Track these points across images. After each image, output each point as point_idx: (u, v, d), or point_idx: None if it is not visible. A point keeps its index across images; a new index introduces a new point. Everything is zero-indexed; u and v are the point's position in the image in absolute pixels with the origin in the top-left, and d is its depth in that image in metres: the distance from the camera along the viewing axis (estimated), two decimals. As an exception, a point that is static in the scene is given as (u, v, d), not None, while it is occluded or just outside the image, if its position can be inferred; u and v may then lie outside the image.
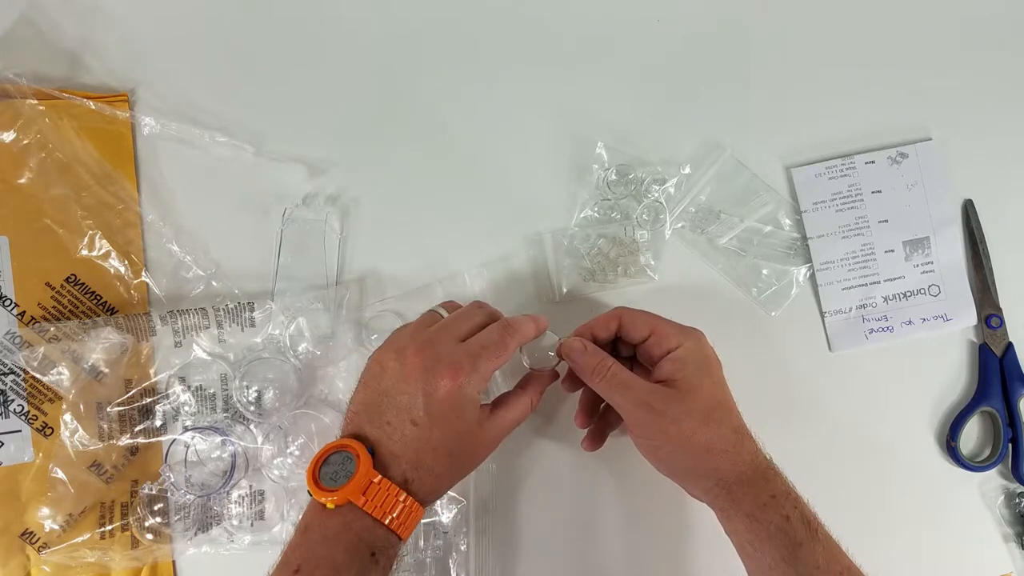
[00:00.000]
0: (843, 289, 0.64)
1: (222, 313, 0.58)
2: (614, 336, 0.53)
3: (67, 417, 0.55)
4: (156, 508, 0.56)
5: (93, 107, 0.58)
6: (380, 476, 0.44)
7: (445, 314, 0.52)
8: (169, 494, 0.56)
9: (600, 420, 0.57)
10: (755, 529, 0.46)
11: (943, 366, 0.64)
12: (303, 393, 0.58)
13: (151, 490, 0.56)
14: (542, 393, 0.53)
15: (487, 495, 0.59)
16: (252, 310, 0.58)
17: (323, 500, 0.44)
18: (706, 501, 0.50)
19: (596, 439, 0.57)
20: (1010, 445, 0.63)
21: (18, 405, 0.56)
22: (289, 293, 0.59)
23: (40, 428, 0.56)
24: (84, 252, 0.58)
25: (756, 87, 0.66)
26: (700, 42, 0.66)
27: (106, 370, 0.56)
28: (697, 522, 0.60)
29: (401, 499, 0.44)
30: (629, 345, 0.54)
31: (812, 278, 0.64)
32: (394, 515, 0.44)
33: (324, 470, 0.45)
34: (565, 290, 0.62)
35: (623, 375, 0.50)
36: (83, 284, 0.58)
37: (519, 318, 0.52)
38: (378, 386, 0.48)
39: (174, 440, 0.57)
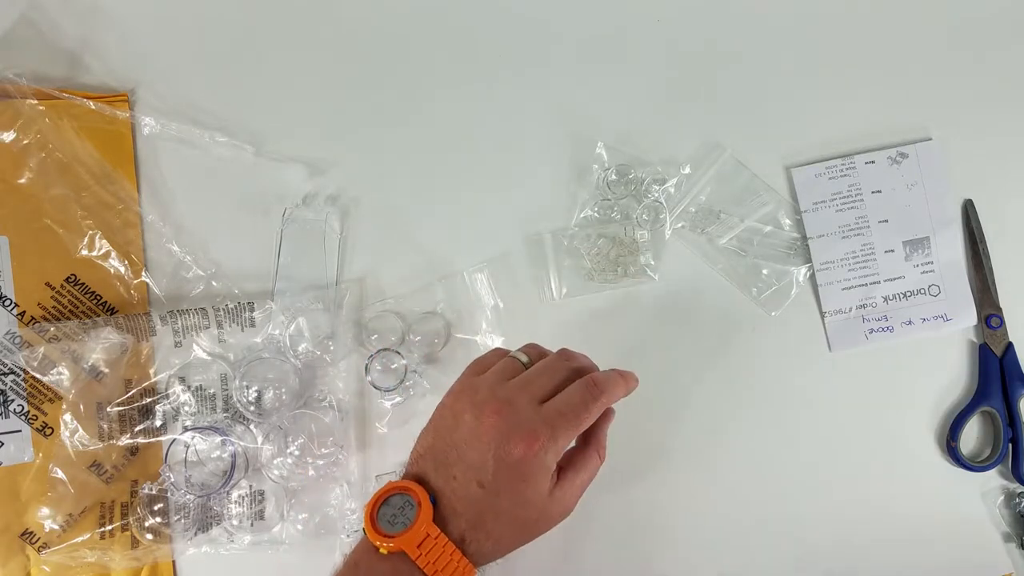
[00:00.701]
0: (843, 289, 0.64)
1: (222, 313, 0.58)
2: None
3: (67, 417, 0.55)
4: (156, 508, 0.56)
5: (93, 107, 0.58)
6: (439, 531, 0.42)
7: (525, 359, 0.49)
8: (169, 494, 0.56)
9: None
10: None
11: (943, 366, 0.64)
12: (303, 393, 0.58)
13: (151, 490, 0.56)
14: (605, 438, 0.50)
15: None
16: (252, 310, 0.58)
17: (377, 544, 0.42)
18: None
19: None
20: (1010, 445, 0.63)
21: (18, 405, 0.56)
22: (289, 293, 0.59)
23: (40, 428, 0.56)
24: (84, 252, 0.58)
25: (756, 87, 0.66)
26: (700, 42, 0.66)
27: (106, 370, 0.56)
28: (698, 522, 0.60)
29: (455, 557, 0.42)
30: None
31: (812, 278, 0.64)
32: (440, 569, 0.42)
33: (383, 511, 0.43)
34: (565, 290, 0.62)
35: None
36: (83, 284, 0.58)
37: (606, 376, 0.48)
38: (449, 437, 0.45)
39: (174, 440, 0.57)
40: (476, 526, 0.43)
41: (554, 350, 0.50)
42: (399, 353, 0.59)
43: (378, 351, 0.59)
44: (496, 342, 0.60)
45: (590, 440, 0.49)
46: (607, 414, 0.50)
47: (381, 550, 0.42)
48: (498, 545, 0.45)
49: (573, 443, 0.49)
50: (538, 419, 0.44)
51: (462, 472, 0.44)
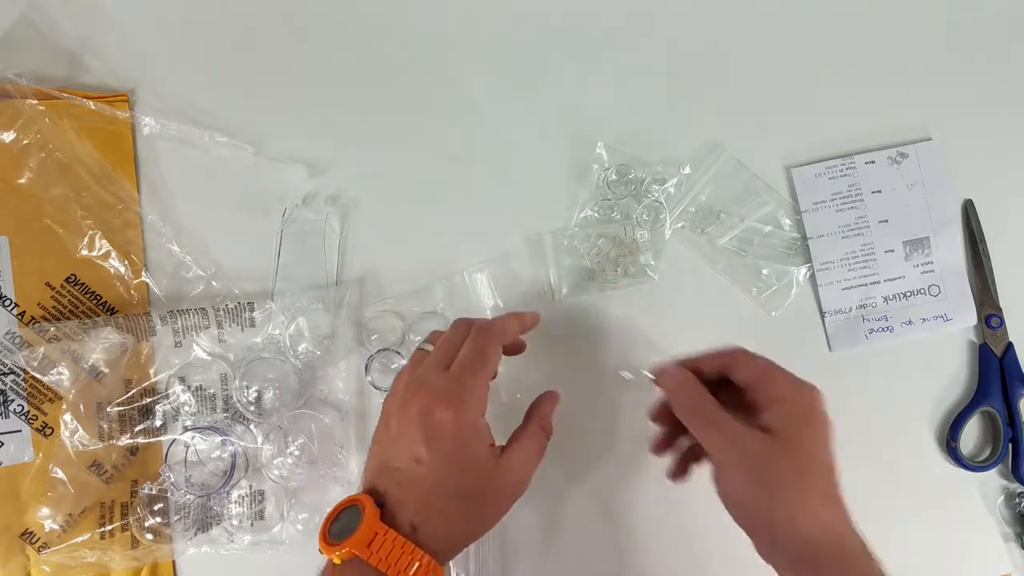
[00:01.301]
0: (843, 289, 0.64)
1: (222, 313, 0.58)
2: (720, 374, 0.49)
3: (67, 417, 0.55)
4: (156, 508, 0.56)
5: (93, 107, 0.58)
6: (386, 528, 0.42)
7: (429, 347, 0.50)
8: (169, 494, 0.56)
9: (687, 453, 0.54)
10: None
11: (943, 366, 0.64)
12: (303, 393, 0.58)
13: (151, 490, 0.56)
14: (551, 415, 0.51)
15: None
16: (252, 310, 0.58)
17: (329, 555, 0.43)
18: (782, 566, 0.45)
19: (681, 472, 0.54)
20: (1010, 445, 0.63)
21: (18, 405, 0.56)
22: (289, 293, 0.59)
23: (40, 428, 0.56)
24: (84, 252, 0.58)
25: (756, 87, 0.66)
26: (700, 42, 0.66)
27: (106, 370, 0.56)
28: (699, 522, 0.60)
29: (410, 553, 0.42)
30: (734, 389, 0.49)
31: (812, 278, 0.64)
32: (403, 570, 0.42)
33: (334, 527, 0.44)
34: (565, 290, 0.62)
35: (718, 412, 0.46)
36: (83, 284, 0.58)
37: (497, 318, 0.51)
38: (387, 441, 0.47)
39: (174, 440, 0.57)
40: (423, 508, 0.44)
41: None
42: (399, 353, 0.59)
43: (378, 351, 0.59)
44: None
45: (532, 416, 0.50)
46: (549, 395, 0.52)
47: (335, 560, 0.43)
48: (452, 526, 0.45)
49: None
50: (447, 381, 0.46)
51: (403, 460, 0.45)
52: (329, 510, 0.45)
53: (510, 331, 0.50)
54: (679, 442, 0.54)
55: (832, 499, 0.45)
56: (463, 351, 0.48)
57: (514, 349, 0.54)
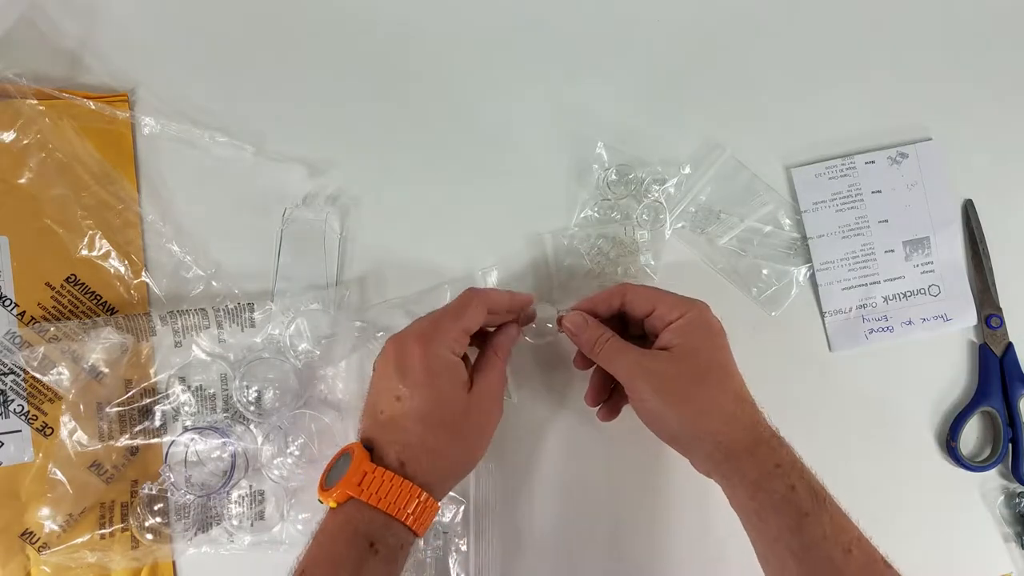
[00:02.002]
0: (843, 289, 0.64)
1: (222, 313, 0.58)
2: (617, 312, 0.54)
3: (67, 417, 0.55)
4: (156, 508, 0.56)
5: (93, 107, 0.58)
6: (375, 466, 0.45)
7: None
8: (169, 494, 0.56)
9: (613, 395, 0.57)
10: (760, 498, 0.46)
11: (943, 366, 0.64)
12: (303, 393, 0.58)
13: (151, 490, 0.56)
14: (508, 347, 0.54)
15: (487, 495, 0.59)
16: (252, 310, 0.58)
17: (326, 500, 0.45)
18: (710, 470, 0.49)
19: (611, 412, 0.57)
20: (1010, 445, 0.63)
21: (18, 405, 0.56)
22: (289, 293, 0.59)
23: (40, 428, 0.56)
24: (84, 252, 0.57)
25: (756, 87, 0.66)
26: (700, 42, 0.66)
27: (106, 370, 0.56)
28: (703, 523, 0.60)
29: (395, 483, 0.45)
30: (636, 323, 0.54)
31: (812, 278, 0.64)
32: (394, 502, 0.44)
33: (331, 474, 0.47)
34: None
35: (619, 342, 0.51)
36: (83, 284, 0.58)
37: (487, 288, 0.55)
38: (373, 393, 0.50)
39: (174, 440, 0.57)
40: (408, 444, 0.47)
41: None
42: None
43: None
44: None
45: (487, 348, 0.53)
46: (506, 328, 0.55)
47: (331, 505, 0.45)
48: (437, 457, 0.47)
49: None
50: (420, 322, 0.50)
51: (385, 402, 0.48)
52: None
53: (497, 300, 0.53)
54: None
55: (736, 397, 0.49)
56: (450, 302, 0.52)
57: (525, 319, 0.57)
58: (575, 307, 0.54)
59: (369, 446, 0.47)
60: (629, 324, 0.55)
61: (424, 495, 0.45)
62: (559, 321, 0.54)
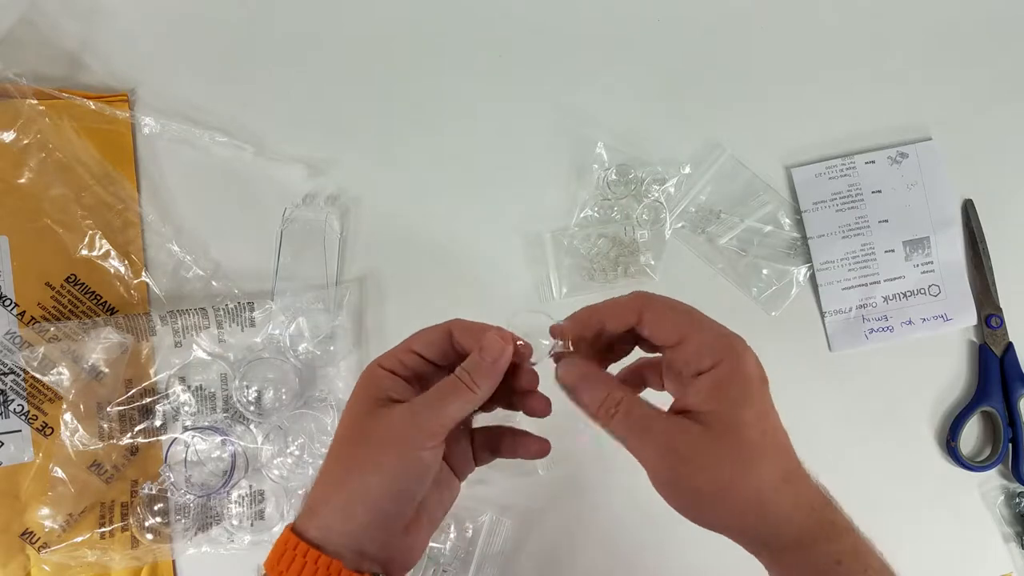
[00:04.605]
0: (843, 289, 0.64)
1: (222, 313, 0.58)
2: (630, 330, 0.41)
3: (67, 417, 0.55)
4: (156, 508, 0.56)
5: (93, 107, 0.58)
6: (297, 540, 0.37)
7: None
8: (169, 494, 0.56)
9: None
10: None
11: (943, 366, 0.64)
12: (303, 393, 0.58)
13: (151, 490, 0.56)
14: (490, 375, 0.39)
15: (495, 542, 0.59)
16: (252, 310, 0.58)
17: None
18: (753, 553, 0.39)
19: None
20: (1010, 445, 0.63)
21: (18, 405, 0.56)
22: (289, 293, 0.59)
23: (40, 428, 0.56)
24: (84, 252, 0.58)
25: (756, 87, 0.66)
26: (700, 42, 0.66)
27: (106, 370, 0.56)
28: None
29: (292, 547, 0.37)
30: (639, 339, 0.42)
31: (812, 278, 0.64)
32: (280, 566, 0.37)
33: None
34: (565, 290, 0.62)
35: (638, 412, 0.38)
36: (83, 284, 0.58)
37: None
38: None
39: (174, 440, 0.57)
40: (320, 483, 0.39)
41: None
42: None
43: None
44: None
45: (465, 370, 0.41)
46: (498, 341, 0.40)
47: None
48: (332, 490, 0.38)
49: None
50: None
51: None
52: None
53: (467, 328, 0.41)
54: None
55: (793, 479, 0.38)
56: None
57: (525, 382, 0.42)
58: (574, 319, 0.41)
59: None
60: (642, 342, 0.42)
61: (301, 545, 0.37)
62: (560, 377, 0.40)
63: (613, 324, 0.40)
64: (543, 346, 0.42)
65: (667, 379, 0.42)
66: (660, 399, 0.39)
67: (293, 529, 0.38)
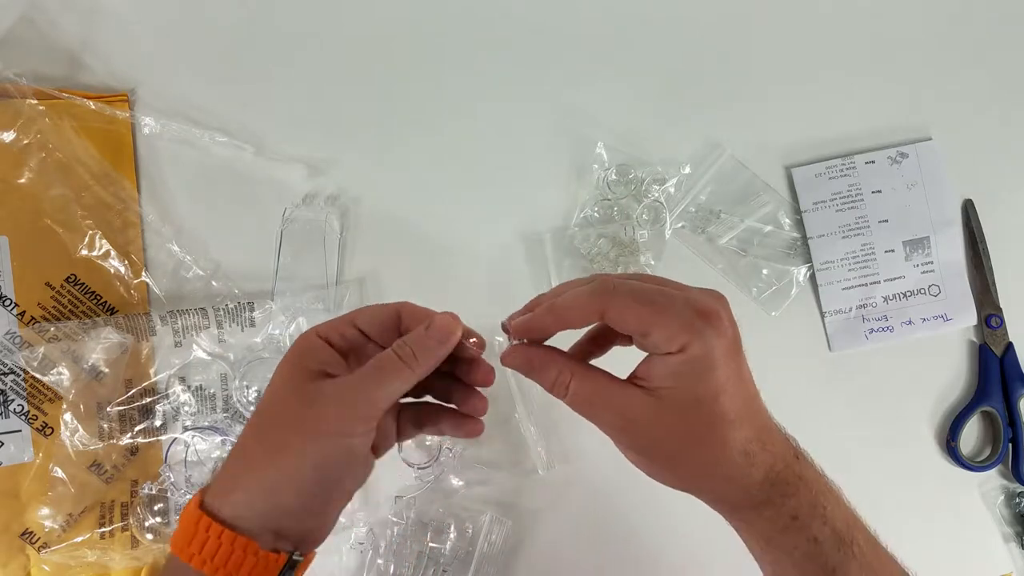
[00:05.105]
0: (843, 289, 0.64)
1: (222, 313, 0.58)
2: (598, 325, 0.42)
3: (67, 417, 0.55)
4: (156, 508, 0.56)
5: (93, 107, 0.58)
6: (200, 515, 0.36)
7: None
8: (169, 494, 0.56)
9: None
10: (777, 556, 0.39)
11: (943, 366, 0.64)
12: (303, 393, 0.58)
13: (151, 490, 0.56)
14: (432, 354, 0.38)
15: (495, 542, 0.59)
16: (252, 310, 0.58)
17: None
18: (720, 514, 0.41)
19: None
20: (1010, 445, 0.63)
21: (18, 405, 0.56)
22: (289, 293, 0.59)
23: (40, 428, 0.56)
24: (84, 252, 0.57)
25: (756, 87, 0.66)
26: (700, 42, 0.66)
27: (106, 370, 0.56)
28: (697, 522, 0.60)
29: (205, 528, 0.35)
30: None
31: (812, 278, 0.64)
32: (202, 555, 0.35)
33: None
34: (565, 290, 0.62)
35: (587, 388, 0.38)
36: (83, 284, 0.58)
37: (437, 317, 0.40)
38: None
39: (174, 440, 0.57)
40: (235, 457, 0.38)
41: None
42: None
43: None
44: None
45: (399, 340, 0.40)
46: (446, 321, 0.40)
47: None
48: (271, 493, 0.36)
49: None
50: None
51: None
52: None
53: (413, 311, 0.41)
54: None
55: (743, 451, 0.37)
56: None
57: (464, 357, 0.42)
58: (532, 319, 0.39)
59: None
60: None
61: (234, 537, 0.35)
62: (504, 356, 0.40)
63: (576, 323, 0.39)
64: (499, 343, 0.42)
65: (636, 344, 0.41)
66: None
67: (202, 506, 0.36)
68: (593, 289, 0.38)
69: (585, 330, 0.43)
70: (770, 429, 0.39)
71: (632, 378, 0.38)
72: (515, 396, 0.60)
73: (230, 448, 0.56)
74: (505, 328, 0.40)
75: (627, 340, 0.41)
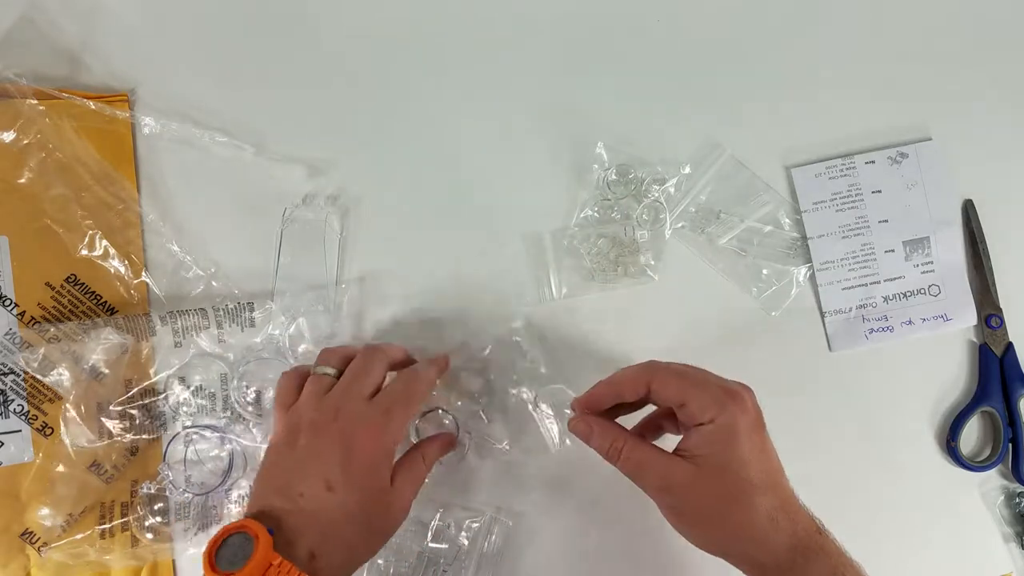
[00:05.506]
0: (843, 289, 0.64)
1: (222, 313, 0.58)
2: (645, 396, 0.48)
3: (67, 417, 0.54)
4: (156, 507, 0.56)
5: (93, 107, 0.58)
6: (280, 558, 0.40)
7: (332, 371, 0.50)
8: (169, 493, 0.56)
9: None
10: None
11: (943, 366, 0.64)
12: (303, 393, 0.58)
13: (151, 489, 0.56)
14: (438, 456, 0.54)
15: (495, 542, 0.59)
16: (252, 310, 0.58)
17: None
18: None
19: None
20: (1010, 445, 0.63)
21: (18, 405, 0.56)
22: (289, 293, 0.59)
23: (40, 428, 0.56)
24: (84, 252, 0.58)
25: (756, 87, 0.66)
26: (700, 42, 0.66)
27: (106, 370, 0.56)
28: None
29: (286, 571, 0.40)
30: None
31: (812, 278, 0.64)
32: None
33: (222, 553, 0.41)
34: (565, 290, 0.62)
35: (637, 455, 0.46)
36: (83, 284, 0.58)
37: (421, 366, 0.53)
38: (289, 463, 0.46)
39: (173, 438, 0.57)
40: (327, 537, 0.43)
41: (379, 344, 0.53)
42: (446, 410, 0.59)
43: (425, 412, 0.58)
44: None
45: (417, 448, 0.52)
46: (444, 437, 0.55)
47: None
48: (352, 553, 0.45)
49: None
50: (374, 412, 0.47)
51: (310, 485, 0.44)
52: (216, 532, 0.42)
53: (432, 379, 0.52)
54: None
55: (768, 516, 0.43)
56: (392, 388, 0.50)
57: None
58: (592, 393, 0.49)
59: (271, 527, 0.42)
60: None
61: None
62: (571, 426, 0.50)
63: (629, 392, 0.48)
64: (566, 415, 0.55)
65: (679, 426, 0.49)
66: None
67: (275, 547, 0.41)
68: (642, 365, 0.48)
69: (639, 416, 0.53)
70: (794, 502, 0.45)
71: (675, 451, 0.46)
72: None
73: (229, 447, 0.56)
74: (572, 406, 0.50)
75: (675, 429, 0.51)
